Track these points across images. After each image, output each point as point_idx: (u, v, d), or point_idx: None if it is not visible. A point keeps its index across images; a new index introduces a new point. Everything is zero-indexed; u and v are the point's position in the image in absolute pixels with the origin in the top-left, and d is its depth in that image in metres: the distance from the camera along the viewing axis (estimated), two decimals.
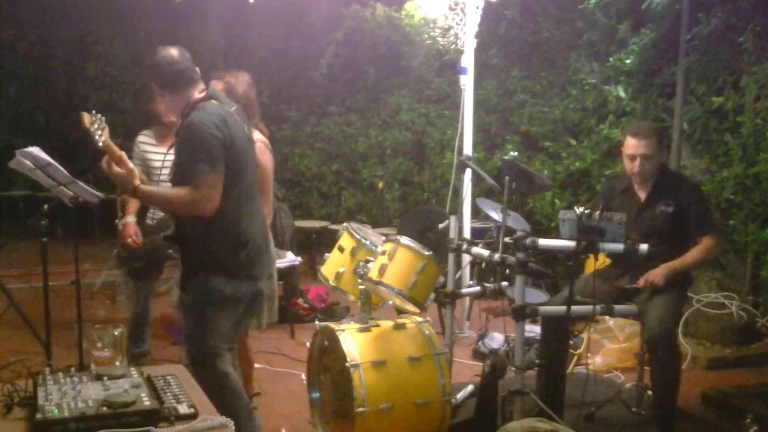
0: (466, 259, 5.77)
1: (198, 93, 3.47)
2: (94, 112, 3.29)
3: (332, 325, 4.01)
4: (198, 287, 3.45)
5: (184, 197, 3.31)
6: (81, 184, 4.68)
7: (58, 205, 4.81)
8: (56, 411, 2.27)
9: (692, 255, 4.15)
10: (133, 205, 5.29)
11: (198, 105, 3.40)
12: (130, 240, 5.19)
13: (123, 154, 3.33)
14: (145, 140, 5.22)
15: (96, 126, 3.26)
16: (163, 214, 5.18)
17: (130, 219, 5.25)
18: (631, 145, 4.21)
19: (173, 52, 3.47)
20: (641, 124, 4.45)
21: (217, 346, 3.47)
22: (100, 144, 3.24)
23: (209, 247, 3.42)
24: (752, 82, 5.91)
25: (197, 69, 3.51)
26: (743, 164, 5.91)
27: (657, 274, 4.08)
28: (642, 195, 4.30)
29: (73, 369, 2.66)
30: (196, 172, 3.26)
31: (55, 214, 4.79)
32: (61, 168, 4.58)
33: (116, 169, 3.28)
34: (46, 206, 4.70)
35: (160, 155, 4.78)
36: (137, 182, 3.30)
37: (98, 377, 2.57)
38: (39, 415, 2.25)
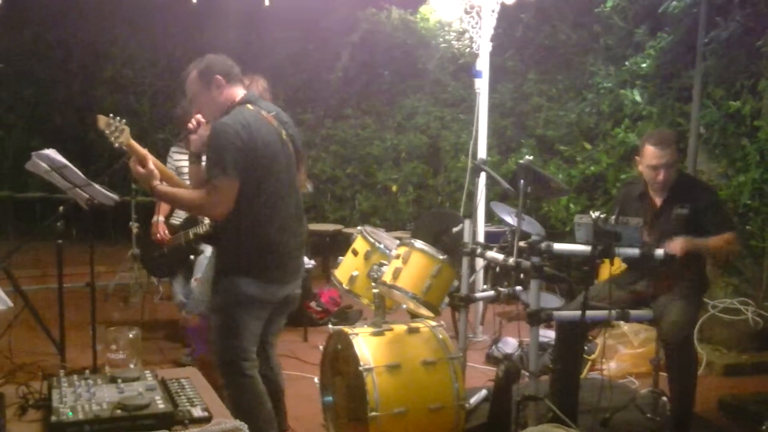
0: (480, 263, 5.74)
1: (236, 97, 3.56)
2: (111, 115, 3.34)
3: (346, 328, 4.01)
4: (226, 288, 3.50)
5: (194, 200, 3.47)
6: (96, 186, 4.71)
7: (73, 207, 4.83)
8: (71, 413, 2.28)
9: (714, 240, 4.06)
10: (163, 206, 5.68)
11: (231, 110, 3.48)
12: (159, 235, 5.59)
13: (147, 154, 3.46)
14: (177, 151, 5.55)
15: (113, 128, 3.31)
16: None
17: (160, 218, 5.65)
18: (655, 155, 4.13)
19: (216, 57, 3.59)
20: (661, 132, 4.35)
21: (244, 348, 3.52)
22: (116, 146, 3.38)
23: (237, 249, 3.49)
24: None
25: (252, 78, 3.70)
26: (760, 169, 5.87)
27: (676, 244, 3.94)
28: (658, 201, 4.27)
29: (87, 371, 2.68)
30: (209, 176, 3.35)
31: (70, 216, 4.82)
32: (77, 170, 4.60)
33: (138, 168, 3.42)
34: (61, 208, 4.72)
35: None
36: (155, 182, 3.43)
37: (112, 380, 2.59)
38: (53, 418, 2.26)
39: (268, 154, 3.46)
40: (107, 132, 3.38)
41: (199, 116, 3.59)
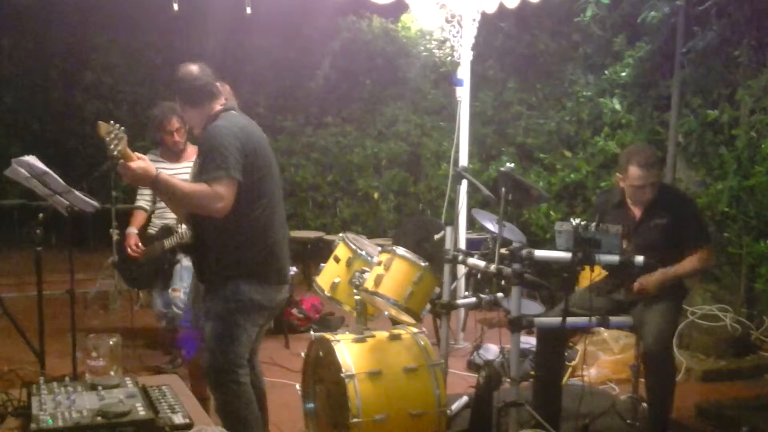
0: (462, 270, 5.76)
1: (219, 105, 3.56)
2: (112, 122, 3.27)
3: (327, 335, 4.00)
4: (228, 295, 3.49)
5: (198, 190, 3.33)
6: (76, 193, 4.68)
7: (53, 214, 4.80)
8: (50, 421, 2.26)
9: (687, 263, 4.16)
10: (138, 217, 5.60)
11: (219, 115, 3.50)
12: (130, 249, 5.46)
13: (139, 155, 3.35)
14: (153, 159, 5.39)
15: (112, 135, 3.25)
16: (163, 222, 5.46)
17: (132, 230, 5.54)
18: (641, 176, 4.13)
19: (193, 68, 3.57)
20: (646, 152, 4.21)
21: (240, 355, 3.53)
22: (114, 153, 3.24)
23: (241, 255, 3.48)
24: (747, 95, 5.94)
25: (218, 83, 3.62)
26: (738, 177, 5.93)
27: (650, 281, 4.08)
28: (637, 212, 4.29)
29: (67, 378, 2.65)
30: (210, 177, 3.30)
31: (49, 223, 4.79)
32: (57, 177, 4.57)
33: (134, 164, 3.27)
34: (41, 215, 4.69)
35: (168, 172, 4.85)
36: (153, 172, 3.30)
37: (93, 387, 2.57)
38: (33, 425, 2.24)
39: (264, 155, 3.53)
40: (107, 139, 3.25)
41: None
